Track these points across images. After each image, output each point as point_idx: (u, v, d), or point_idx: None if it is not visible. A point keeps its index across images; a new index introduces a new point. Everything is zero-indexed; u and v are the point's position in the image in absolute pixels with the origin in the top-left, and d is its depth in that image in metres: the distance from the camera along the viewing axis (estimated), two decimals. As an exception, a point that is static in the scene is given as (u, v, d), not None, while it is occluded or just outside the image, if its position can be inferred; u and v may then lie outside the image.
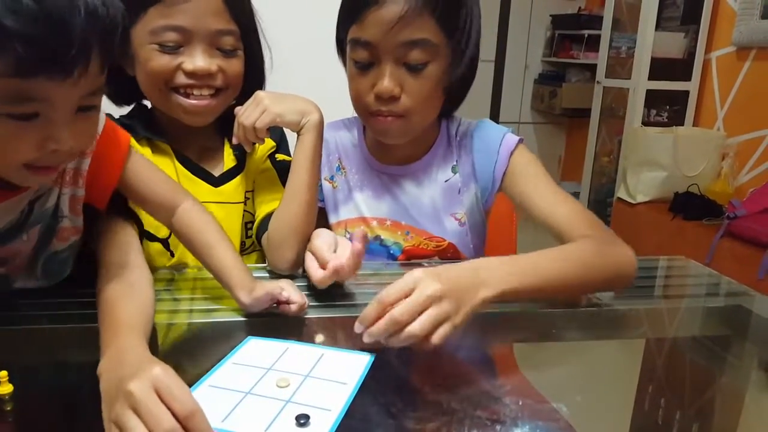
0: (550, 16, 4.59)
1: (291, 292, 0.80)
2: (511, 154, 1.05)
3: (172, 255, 1.00)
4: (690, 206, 2.86)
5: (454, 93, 1.03)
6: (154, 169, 0.87)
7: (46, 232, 0.79)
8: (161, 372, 0.53)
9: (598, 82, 3.79)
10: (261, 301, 0.78)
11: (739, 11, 3.01)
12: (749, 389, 0.78)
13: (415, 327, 0.65)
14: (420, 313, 0.66)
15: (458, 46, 0.95)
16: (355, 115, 1.06)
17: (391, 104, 0.95)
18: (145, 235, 0.97)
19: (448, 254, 1.09)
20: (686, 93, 3.36)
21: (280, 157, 1.10)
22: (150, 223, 0.96)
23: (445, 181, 1.08)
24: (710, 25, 3.24)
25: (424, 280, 0.68)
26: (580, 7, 4.54)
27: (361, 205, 1.09)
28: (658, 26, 3.32)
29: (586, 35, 4.25)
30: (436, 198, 1.08)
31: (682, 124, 3.34)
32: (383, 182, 1.09)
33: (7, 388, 0.61)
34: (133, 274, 0.77)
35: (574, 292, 0.89)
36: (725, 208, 2.72)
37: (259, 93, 0.96)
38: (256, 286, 0.79)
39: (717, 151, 3.08)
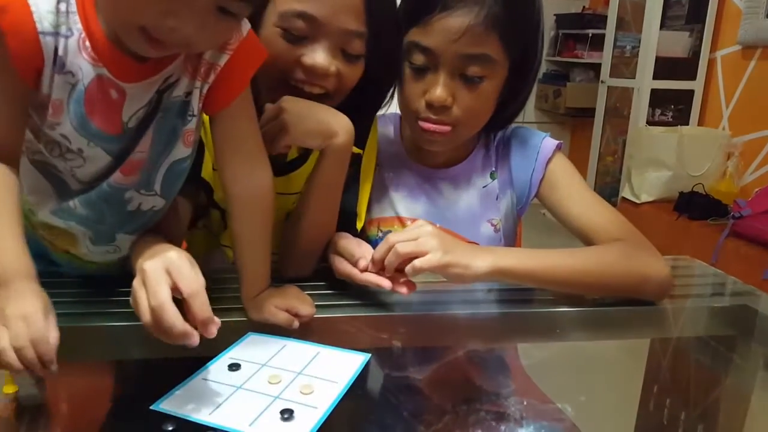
0: (554, 15, 4.58)
1: (299, 309, 0.78)
2: (549, 161, 1.04)
3: (225, 227, 0.98)
4: (695, 206, 2.86)
5: (507, 110, 1.02)
6: (256, 116, 0.79)
7: (171, 132, 0.74)
8: (175, 255, 0.63)
9: (602, 81, 3.78)
10: (264, 319, 0.78)
11: (744, 10, 3.01)
12: (755, 389, 0.78)
13: (401, 247, 0.78)
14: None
15: (518, 66, 0.95)
16: (393, 111, 1.04)
17: (442, 113, 0.94)
18: (210, 201, 0.95)
19: None
20: (691, 92, 3.35)
21: None
22: (218, 190, 0.93)
23: (483, 186, 1.08)
24: (715, 24, 3.23)
25: (424, 225, 0.81)
26: (584, 7, 4.53)
27: (397, 204, 1.08)
28: (663, 25, 3.31)
29: (590, 35, 4.24)
30: (473, 203, 1.08)
31: (687, 124, 3.33)
32: (418, 183, 1.09)
33: (12, 388, 0.61)
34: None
35: (589, 289, 0.88)
36: (730, 207, 2.72)
37: (284, 102, 0.83)
38: (264, 305, 0.78)
39: (722, 150, 3.07)
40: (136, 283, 0.63)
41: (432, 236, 0.80)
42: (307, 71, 0.84)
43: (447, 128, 0.95)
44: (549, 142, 1.06)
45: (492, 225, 1.07)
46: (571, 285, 0.86)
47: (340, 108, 0.89)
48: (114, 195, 0.75)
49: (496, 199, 1.08)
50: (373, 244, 0.88)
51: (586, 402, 0.67)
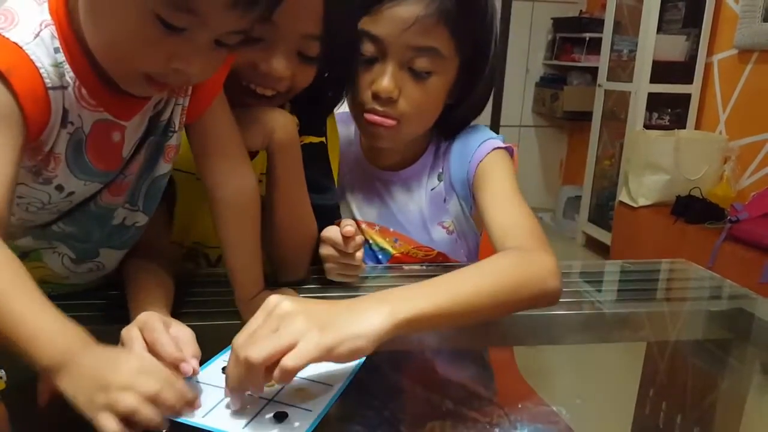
0: (551, 19, 4.58)
1: None
2: (480, 162, 1.00)
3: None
4: (692, 210, 2.86)
5: (457, 113, 1.01)
6: (233, 119, 0.79)
7: (156, 151, 0.75)
8: (146, 316, 0.64)
9: (599, 85, 3.78)
10: None
11: (741, 14, 3.01)
12: (750, 392, 0.78)
13: (253, 353, 0.55)
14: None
15: (468, 65, 0.94)
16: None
17: (387, 105, 0.93)
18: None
19: (438, 261, 1.07)
20: (688, 96, 3.36)
21: (306, 139, 0.94)
22: None
23: (431, 189, 1.06)
24: (712, 28, 3.23)
25: (277, 304, 0.59)
26: (581, 10, 4.54)
27: (353, 207, 1.08)
28: (660, 29, 3.32)
29: (587, 38, 4.24)
30: (423, 206, 1.06)
31: (684, 128, 3.34)
32: (373, 185, 1.08)
33: (0, 385, 0.61)
34: (159, 256, 0.81)
35: (488, 313, 0.71)
36: (727, 211, 2.72)
37: None
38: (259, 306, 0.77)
39: (719, 154, 3.07)
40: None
41: (293, 317, 0.57)
42: (263, 76, 0.82)
43: (392, 122, 0.94)
44: (488, 145, 1.00)
45: (444, 228, 1.06)
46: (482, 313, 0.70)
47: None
48: (102, 214, 0.75)
49: (444, 201, 1.06)
50: None
51: (582, 405, 0.67)
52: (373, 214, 1.07)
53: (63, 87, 0.61)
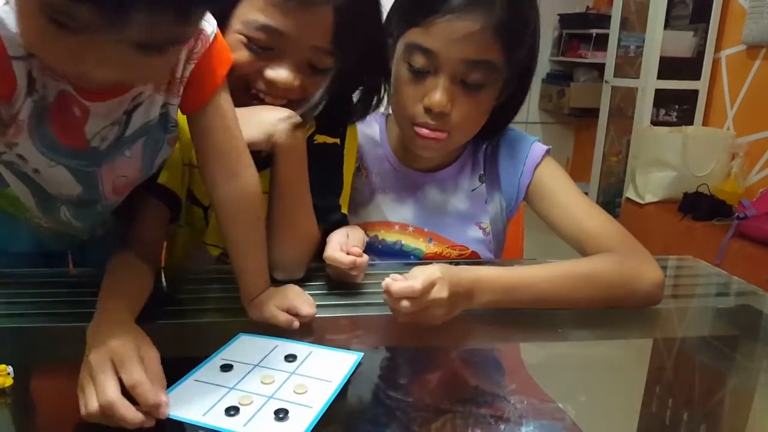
0: (558, 15, 4.57)
1: (300, 308, 0.77)
2: (537, 166, 1.03)
3: (207, 224, 0.97)
4: (699, 206, 2.85)
5: (499, 119, 1.01)
6: (235, 119, 0.77)
7: (154, 146, 0.75)
8: (119, 345, 0.59)
9: (606, 81, 3.77)
10: (264, 320, 0.78)
11: (749, 9, 2.99)
12: (758, 389, 0.77)
13: (403, 319, 0.75)
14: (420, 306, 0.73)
15: (515, 74, 0.95)
16: (380, 112, 1.03)
17: (440, 119, 0.92)
18: (190, 198, 0.95)
19: (471, 260, 1.07)
20: (695, 92, 3.34)
21: (319, 138, 0.95)
22: (198, 187, 0.93)
23: (472, 190, 1.07)
24: (720, 24, 3.22)
25: (440, 286, 0.74)
26: (588, 6, 4.52)
27: (384, 209, 1.06)
28: (667, 25, 3.31)
29: (594, 34, 4.23)
30: (462, 206, 1.07)
31: (692, 124, 3.32)
32: (406, 186, 1.07)
33: (7, 381, 0.61)
34: (146, 257, 0.81)
35: (577, 308, 0.86)
36: (735, 208, 2.71)
37: None
38: (265, 306, 0.77)
39: (727, 150, 3.06)
40: (84, 376, 0.58)
41: (441, 304, 0.75)
42: (269, 84, 0.82)
43: (443, 135, 0.93)
44: (538, 147, 1.05)
45: (481, 228, 1.07)
46: (559, 303, 0.85)
47: None
48: (107, 211, 0.78)
49: (485, 202, 1.07)
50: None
51: (588, 401, 0.67)
52: (407, 215, 1.06)
53: (31, 56, 0.60)
